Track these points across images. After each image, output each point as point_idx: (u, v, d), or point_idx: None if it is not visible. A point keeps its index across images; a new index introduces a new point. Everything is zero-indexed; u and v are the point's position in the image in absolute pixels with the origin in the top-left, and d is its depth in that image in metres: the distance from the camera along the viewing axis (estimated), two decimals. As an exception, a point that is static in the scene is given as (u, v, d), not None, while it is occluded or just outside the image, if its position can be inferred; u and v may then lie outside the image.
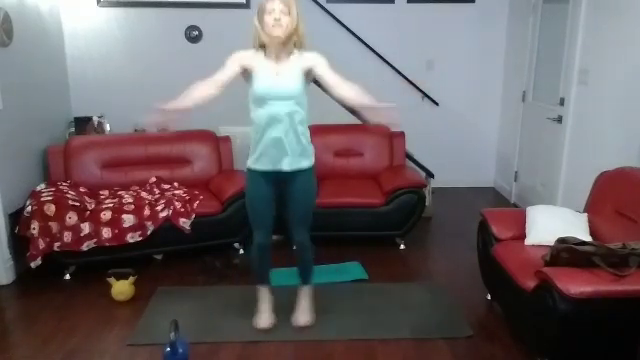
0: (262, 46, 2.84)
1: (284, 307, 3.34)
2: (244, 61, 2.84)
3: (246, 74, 2.87)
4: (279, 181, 2.95)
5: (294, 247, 3.14)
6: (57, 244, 3.65)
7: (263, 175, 2.93)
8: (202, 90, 2.82)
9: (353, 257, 4.13)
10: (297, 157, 2.89)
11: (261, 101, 2.82)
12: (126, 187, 4.29)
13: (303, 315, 3.20)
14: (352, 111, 4.28)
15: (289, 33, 2.75)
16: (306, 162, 2.94)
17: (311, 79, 2.94)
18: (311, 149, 2.99)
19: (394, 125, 2.84)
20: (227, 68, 2.84)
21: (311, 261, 3.17)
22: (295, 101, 2.84)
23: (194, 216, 3.99)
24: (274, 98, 2.80)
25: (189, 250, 4.10)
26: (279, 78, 2.81)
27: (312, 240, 3.16)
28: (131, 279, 3.55)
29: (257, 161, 2.91)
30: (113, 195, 4.13)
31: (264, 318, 3.17)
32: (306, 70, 2.85)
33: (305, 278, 3.20)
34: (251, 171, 2.97)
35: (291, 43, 2.80)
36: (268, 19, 2.73)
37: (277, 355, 2.97)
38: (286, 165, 2.88)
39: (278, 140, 2.83)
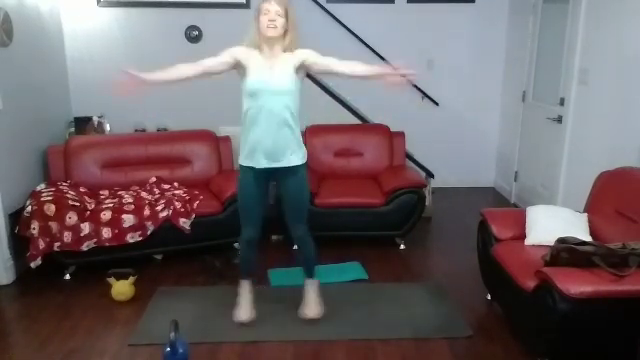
0: (258, 46, 2.91)
1: (284, 307, 3.36)
2: (238, 55, 2.91)
3: (240, 69, 2.92)
4: (271, 177, 3.01)
5: (294, 247, 3.18)
6: (57, 244, 3.65)
7: (254, 171, 2.97)
8: (182, 69, 2.92)
9: (353, 257, 4.13)
10: (288, 153, 2.94)
11: (253, 95, 2.87)
12: (126, 187, 4.29)
13: (310, 308, 3.23)
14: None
15: (282, 34, 2.84)
16: (297, 159, 2.98)
17: (304, 75, 2.99)
18: (302, 146, 3.03)
19: (409, 77, 2.96)
20: (218, 56, 2.93)
21: (312, 254, 3.22)
22: (287, 97, 2.88)
23: (194, 216, 3.99)
24: (267, 93, 2.85)
25: (189, 250, 4.09)
26: (272, 73, 2.86)
27: (313, 239, 3.19)
28: (131, 279, 3.55)
29: (247, 157, 2.97)
30: (113, 195, 4.13)
31: (244, 311, 3.20)
32: (298, 65, 2.90)
33: (309, 271, 3.26)
34: (242, 167, 3.02)
35: (284, 43, 2.87)
36: (263, 19, 2.82)
37: (277, 355, 2.97)
38: (276, 161, 2.93)
39: (269, 135, 2.88)
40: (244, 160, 2.99)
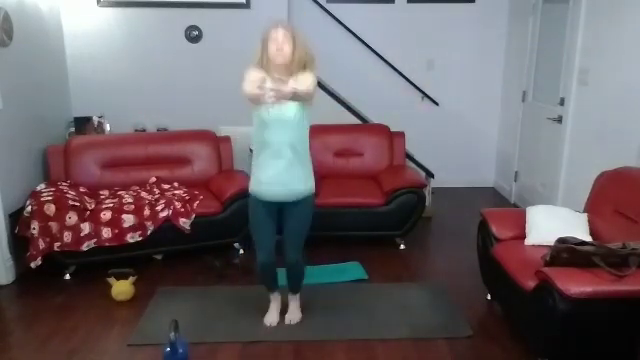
0: (267, 72, 2.88)
1: (283, 307, 3.35)
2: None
3: None
4: (280, 205, 3.01)
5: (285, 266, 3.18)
6: (57, 244, 3.65)
7: (262, 201, 2.99)
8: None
9: (353, 257, 4.13)
10: (296, 185, 2.94)
11: (263, 124, 2.87)
12: (126, 187, 4.29)
13: (294, 315, 3.29)
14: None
15: (290, 61, 2.83)
16: (305, 191, 2.98)
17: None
18: (311, 177, 3.03)
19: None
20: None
21: (301, 278, 3.25)
22: (295, 127, 2.88)
23: (194, 216, 3.98)
24: (275, 123, 2.85)
25: (189, 250, 4.10)
26: (281, 105, 2.83)
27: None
28: (131, 279, 3.55)
29: (257, 187, 2.98)
30: (113, 195, 4.13)
31: (270, 316, 3.27)
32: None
33: (294, 290, 3.29)
34: (252, 196, 3.03)
35: (291, 70, 2.85)
36: (271, 47, 2.82)
37: (277, 355, 2.97)
38: (284, 195, 2.94)
39: (277, 165, 2.89)
40: (253, 188, 3.01)
